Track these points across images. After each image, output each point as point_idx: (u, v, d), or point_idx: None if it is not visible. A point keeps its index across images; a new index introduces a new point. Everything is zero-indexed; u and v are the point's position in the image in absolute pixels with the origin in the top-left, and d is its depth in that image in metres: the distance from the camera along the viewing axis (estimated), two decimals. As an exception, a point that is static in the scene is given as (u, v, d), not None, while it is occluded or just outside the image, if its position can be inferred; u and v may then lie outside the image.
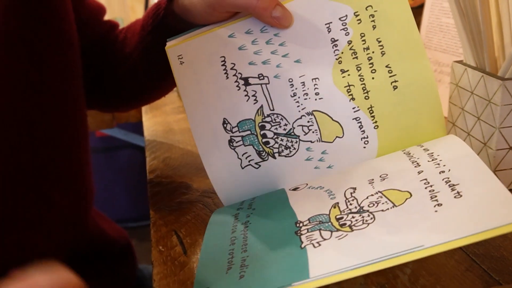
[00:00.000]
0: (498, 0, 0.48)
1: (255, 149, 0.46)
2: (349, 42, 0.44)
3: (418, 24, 0.75)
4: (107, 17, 0.62)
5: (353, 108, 0.44)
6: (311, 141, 0.45)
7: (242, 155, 0.46)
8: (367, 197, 0.37)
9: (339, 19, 0.44)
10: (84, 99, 0.53)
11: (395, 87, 0.43)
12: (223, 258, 0.36)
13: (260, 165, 0.46)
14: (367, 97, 0.44)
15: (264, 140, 0.46)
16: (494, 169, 0.47)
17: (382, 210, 0.35)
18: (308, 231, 0.36)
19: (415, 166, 0.39)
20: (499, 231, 0.27)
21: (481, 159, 0.35)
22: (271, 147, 0.46)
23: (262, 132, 0.46)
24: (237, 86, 0.46)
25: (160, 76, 0.55)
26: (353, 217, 0.36)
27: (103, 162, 1.71)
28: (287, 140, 0.46)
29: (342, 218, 0.36)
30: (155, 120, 0.80)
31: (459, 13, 0.47)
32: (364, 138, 0.45)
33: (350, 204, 0.37)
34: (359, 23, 0.43)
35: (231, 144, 0.46)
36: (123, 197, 1.70)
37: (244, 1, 0.43)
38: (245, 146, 0.46)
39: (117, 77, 0.58)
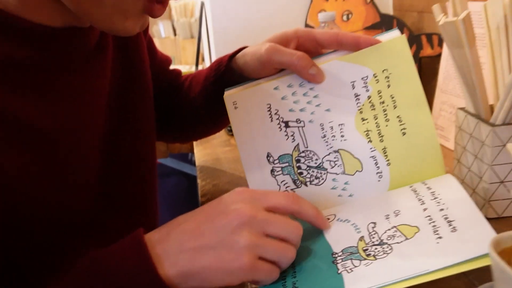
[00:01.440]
0: (494, 58, 0.58)
1: (291, 178, 0.57)
2: (369, 97, 0.55)
3: (436, 70, 0.85)
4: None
5: (370, 149, 0.55)
6: (336, 173, 0.56)
7: (281, 182, 0.58)
8: (385, 232, 0.47)
9: (361, 78, 0.55)
10: (155, 134, 0.66)
11: (404, 133, 0.54)
12: (277, 284, 0.44)
13: (294, 191, 0.57)
14: (381, 140, 0.55)
15: (299, 171, 0.57)
16: (488, 199, 0.56)
17: (398, 243, 0.45)
18: (342, 260, 0.45)
19: (421, 204, 0.49)
20: (482, 261, 0.38)
21: (477, 193, 0.45)
22: (304, 177, 0.57)
23: (297, 165, 0.57)
24: (279, 127, 0.58)
25: (217, 118, 0.67)
26: (376, 248, 0.45)
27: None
28: (317, 172, 0.57)
29: (367, 249, 0.46)
30: (205, 151, 0.93)
31: (458, 69, 0.58)
32: (379, 173, 0.55)
33: (373, 237, 0.47)
34: (377, 82, 0.55)
35: (273, 173, 0.58)
36: (169, 218, 1.83)
37: (288, 60, 0.55)
38: (283, 175, 0.57)
39: (182, 117, 0.71)
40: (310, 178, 0.57)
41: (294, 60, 0.54)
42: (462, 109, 0.62)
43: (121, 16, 0.44)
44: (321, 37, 0.57)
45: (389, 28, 0.96)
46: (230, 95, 0.59)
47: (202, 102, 0.67)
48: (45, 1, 0.45)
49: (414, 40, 0.92)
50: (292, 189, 0.57)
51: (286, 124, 0.57)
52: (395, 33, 0.55)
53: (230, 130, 0.98)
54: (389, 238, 0.46)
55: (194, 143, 0.99)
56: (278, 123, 0.57)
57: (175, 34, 1.91)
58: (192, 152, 0.97)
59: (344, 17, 1.00)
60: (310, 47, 0.58)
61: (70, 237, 0.50)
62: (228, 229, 0.41)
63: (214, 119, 0.68)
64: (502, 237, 0.37)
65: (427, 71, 0.89)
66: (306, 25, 1.08)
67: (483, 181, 0.57)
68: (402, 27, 0.94)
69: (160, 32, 1.94)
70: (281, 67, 0.57)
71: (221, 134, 1.02)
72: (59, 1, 0.44)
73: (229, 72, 0.62)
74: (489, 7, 0.58)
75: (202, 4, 1.30)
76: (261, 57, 0.56)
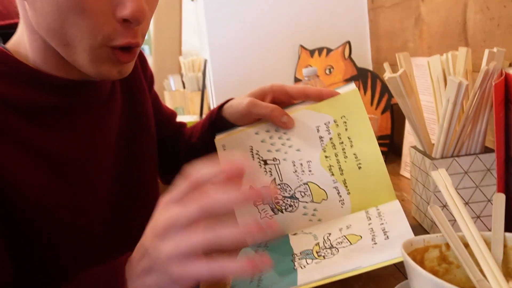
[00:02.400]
0: (436, 103, 0.71)
1: (270, 206, 0.69)
2: (331, 139, 0.68)
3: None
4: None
5: (333, 181, 0.67)
6: (306, 202, 0.68)
7: (261, 210, 0.69)
8: (335, 239, 0.59)
9: (324, 124, 0.68)
10: (157, 171, 0.79)
11: (359, 167, 0.66)
12: (248, 277, 0.58)
13: (272, 218, 0.69)
14: (342, 174, 0.67)
15: (276, 201, 0.69)
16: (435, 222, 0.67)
17: (343, 247, 0.57)
18: (299, 259, 0.57)
19: (368, 220, 0.61)
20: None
21: (427, 216, 0.57)
22: (280, 206, 0.69)
23: (274, 196, 0.69)
24: (260, 165, 0.70)
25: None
26: (326, 251, 0.57)
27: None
28: (291, 201, 0.69)
29: (319, 251, 0.58)
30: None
31: (405, 114, 0.71)
32: (341, 200, 0.67)
33: (326, 243, 0.59)
34: (337, 127, 0.67)
35: (255, 203, 0.70)
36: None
37: (264, 112, 0.68)
38: (263, 204, 0.70)
39: (184, 160, 0.84)
40: (285, 206, 0.69)
41: (268, 112, 0.68)
42: (413, 147, 0.74)
43: (96, 63, 0.56)
44: (292, 91, 0.70)
45: (365, 79, 1.09)
46: (220, 140, 0.72)
47: (200, 146, 0.81)
48: (62, 60, 0.58)
49: (386, 90, 1.06)
50: (270, 216, 0.69)
51: (265, 162, 0.70)
52: (350, 86, 0.69)
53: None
54: (337, 244, 0.57)
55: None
56: (259, 161, 0.70)
57: (184, 87, 2.08)
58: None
59: (327, 71, 1.14)
60: (283, 99, 0.71)
61: (82, 261, 0.61)
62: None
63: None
64: (414, 239, 0.48)
65: (398, 116, 1.02)
66: (295, 78, 1.23)
67: (430, 205, 0.68)
68: (375, 78, 1.08)
69: (171, 85, 2.11)
70: (259, 117, 0.70)
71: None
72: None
73: (219, 120, 0.75)
74: (431, 63, 0.72)
75: (206, 61, 1.46)
76: (242, 110, 0.69)
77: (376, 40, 1.22)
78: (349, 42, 1.12)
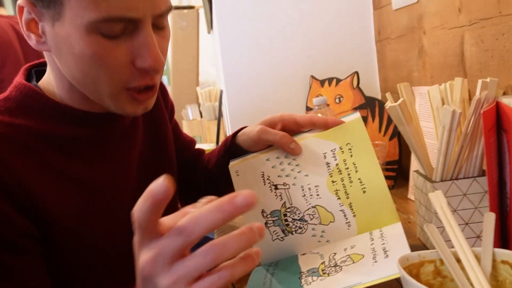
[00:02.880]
0: (436, 130, 0.75)
1: (281, 228, 0.74)
2: (337, 164, 0.72)
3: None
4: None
5: (340, 204, 0.72)
6: (315, 224, 0.73)
7: (273, 232, 0.74)
8: (340, 258, 0.64)
9: (331, 150, 0.73)
10: (177, 199, 0.85)
11: (364, 191, 0.71)
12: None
13: (284, 239, 0.74)
14: (347, 197, 0.71)
15: (286, 223, 0.74)
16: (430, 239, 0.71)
17: (347, 265, 0.61)
18: (305, 277, 0.62)
19: (371, 241, 0.65)
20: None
21: (423, 235, 0.61)
22: (290, 228, 0.74)
23: (285, 218, 0.74)
24: (270, 189, 0.75)
25: (228, 183, 0.86)
26: (330, 269, 0.62)
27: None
28: (300, 223, 0.73)
29: (324, 269, 0.62)
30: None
31: (406, 141, 0.75)
32: (347, 223, 0.71)
33: (331, 262, 0.64)
34: (342, 153, 0.72)
35: (267, 225, 0.75)
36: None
37: (273, 139, 0.74)
38: (274, 226, 0.74)
39: (201, 184, 0.90)
40: (295, 228, 0.73)
41: (278, 139, 0.73)
42: (416, 171, 0.79)
43: (120, 106, 0.63)
44: (300, 119, 0.76)
45: (373, 107, 1.15)
46: (233, 166, 0.77)
47: (216, 171, 0.86)
48: (86, 97, 0.65)
49: (393, 117, 1.11)
50: (282, 237, 0.74)
51: (276, 187, 0.75)
52: (355, 115, 0.74)
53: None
54: (341, 262, 0.62)
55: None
56: (270, 186, 0.75)
57: (201, 116, 2.15)
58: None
59: (337, 100, 1.20)
60: (292, 127, 0.77)
61: (107, 280, 0.66)
62: None
63: (224, 184, 0.87)
64: (410, 255, 0.53)
65: (406, 143, 1.06)
66: (306, 107, 1.29)
67: (425, 224, 0.72)
68: (383, 106, 1.13)
69: (188, 115, 2.18)
70: (269, 143, 0.75)
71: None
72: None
73: (233, 146, 0.81)
74: (431, 92, 0.77)
75: (221, 91, 1.54)
76: (254, 137, 0.75)
77: (384, 70, 1.28)
78: (357, 73, 1.18)
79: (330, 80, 1.23)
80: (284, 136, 0.73)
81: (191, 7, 2.52)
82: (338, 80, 1.21)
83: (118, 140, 0.71)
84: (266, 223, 0.74)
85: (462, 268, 0.51)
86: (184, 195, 0.91)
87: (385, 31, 1.23)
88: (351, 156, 0.72)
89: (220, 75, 1.53)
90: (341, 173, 0.72)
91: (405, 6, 1.07)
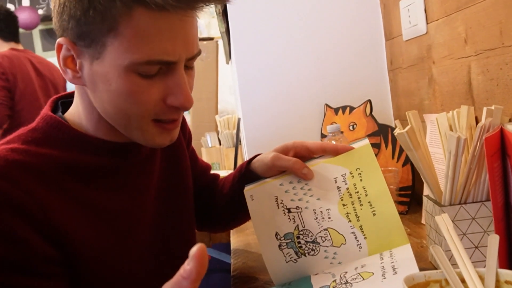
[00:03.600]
0: (445, 153, 0.78)
1: (294, 250, 0.77)
2: (347, 189, 0.75)
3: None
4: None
5: (351, 227, 0.74)
6: (327, 246, 0.75)
7: (286, 254, 0.77)
8: (350, 276, 0.66)
9: (341, 175, 0.76)
10: (194, 222, 0.89)
11: (374, 214, 0.73)
12: None
13: (297, 261, 0.77)
14: (358, 220, 0.74)
15: (299, 245, 0.77)
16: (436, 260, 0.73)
17: (357, 282, 0.64)
18: None
19: (381, 260, 0.68)
20: None
21: (434, 258, 0.64)
22: (303, 250, 0.76)
23: (298, 240, 0.77)
24: (284, 213, 0.78)
25: (242, 207, 0.89)
26: (341, 286, 0.65)
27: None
28: (313, 245, 0.76)
29: (335, 286, 0.65)
30: (239, 239, 1.13)
31: (415, 166, 0.78)
32: (358, 244, 0.74)
33: (342, 280, 0.66)
34: (352, 178, 0.76)
35: (280, 247, 0.77)
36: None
37: (286, 165, 0.78)
38: (288, 248, 0.77)
39: (216, 209, 0.94)
40: (308, 250, 0.76)
41: (290, 165, 0.77)
42: (426, 195, 0.81)
43: (149, 139, 0.68)
44: (311, 146, 0.79)
45: (386, 134, 1.18)
46: (248, 190, 0.81)
47: (231, 196, 0.90)
48: (112, 127, 0.69)
49: (406, 143, 1.14)
50: (295, 259, 0.76)
51: (289, 210, 0.78)
52: (364, 142, 0.77)
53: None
54: (352, 280, 0.64)
55: (231, 233, 1.20)
56: (283, 210, 0.78)
57: (220, 144, 2.20)
58: (229, 242, 1.17)
59: (351, 127, 1.23)
60: (304, 154, 0.81)
61: None
62: None
63: (240, 209, 0.90)
64: (415, 274, 0.55)
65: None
66: (321, 134, 1.32)
67: (442, 248, 0.74)
68: (395, 133, 1.16)
69: (208, 142, 2.24)
70: (283, 169, 0.79)
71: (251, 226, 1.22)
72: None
73: (248, 173, 0.85)
74: (439, 119, 0.79)
75: (239, 120, 1.59)
76: (268, 163, 0.79)
77: (397, 98, 1.31)
78: (369, 101, 1.22)
79: (344, 108, 1.27)
80: (296, 162, 0.77)
81: (211, 39, 2.61)
82: (352, 108, 1.25)
83: (137, 169, 0.75)
84: (279, 246, 0.77)
85: (467, 288, 0.53)
86: (200, 220, 0.95)
87: (397, 61, 1.27)
88: (361, 180, 0.75)
89: (238, 103, 1.59)
90: (351, 197, 0.75)
91: (415, 37, 1.11)
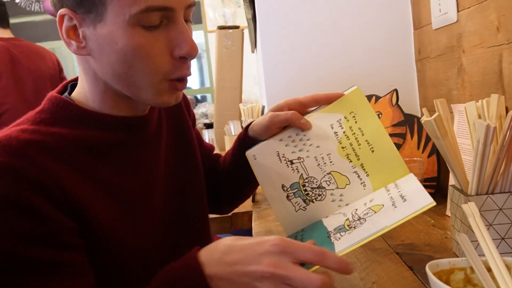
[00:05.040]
0: (473, 145, 0.77)
1: (302, 199, 0.78)
2: (344, 132, 0.78)
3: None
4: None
5: (352, 167, 0.76)
6: (332, 189, 0.77)
7: (295, 204, 0.79)
8: (362, 212, 0.68)
9: (337, 121, 0.78)
10: (205, 200, 0.89)
11: (372, 151, 0.76)
12: None
13: (306, 208, 0.78)
14: (358, 159, 0.76)
15: (306, 192, 0.78)
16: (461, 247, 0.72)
17: (370, 216, 0.66)
18: (334, 234, 0.67)
19: (387, 191, 0.71)
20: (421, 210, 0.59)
21: (458, 249, 0.64)
22: (310, 196, 0.78)
23: (304, 188, 0.79)
24: (287, 165, 0.80)
25: (246, 177, 0.89)
26: (355, 222, 0.66)
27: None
28: (319, 191, 0.78)
29: (350, 224, 0.67)
30: (261, 225, 1.14)
31: (441, 154, 0.77)
32: (362, 182, 0.76)
33: (354, 217, 0.68)
34: (347, 121, 0.78)
35: (288, 198, 0.79)
36: None
37: (285, 117, 0.79)
38: (295, 198, 0.79)
39: (222, 186, 0.95)
40: (314, 196, 0.78)
41: (289, 116, 0.79)
42: (452, 185, 0.80)
43: (158, 95, 0.69)
44: (304, 100, 0.81)
45: (411, 124, 1.16)
46: (250, 151, 0.83)
47: (232, 167, 0.91)
48: (118, 101, 0.71)
49: (432, 134, 1.12)
50: (304, 207, 0.79)
51: (291, 162, 0.80)
52: (354, 87, 0.80)
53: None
54: (364, 215, 0.67)
55: (253, 219, 1.20)
56: (286, 162, 0.80)
57: (243, 132, 2.20)
58: (251, 228, 1.18)
59: (376, 117, 1.22)
60: (297, 109, 0.82)
61: (139, 276, 0.70)
62: (255, 276, 0.54)
63: (243, 179, 0.91)
64: (439, 261, 0.55)
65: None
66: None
67: (457, 234, 0.73)
68: (421, 124, 1.14)
69: (231, 130, 2.24)
70: (281, 124, 0.80)
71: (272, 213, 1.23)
72: (125, 97, 0.70)
73: (247, 138, 0.86)
74: (468, 108, 0.78)
75: (263, 107, 1.59)
76: (266, 123, 0.81)
77: (424, 88, 1.29)
78: (396, 90, 1.20)
79: (369, 97, 1.26)
80: (294, 113, 0.79)
81: (236, 27, 2.61)
82: (378, 97, 1.23)
83: (145, 145, 0.76)
84: (287, 196, 0.79)
85: (493, 277, 0.53)
86: (208, 202, 0.95)
87: (425, 50, 1.25)
88: (356, 122, 0.78)
89: (262, 92, 1.58)
90: (349, 139, 0.77)
91: (445, 25, 1.08)
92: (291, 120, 0.79)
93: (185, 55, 0.67)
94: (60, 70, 2.68)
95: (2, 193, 0.57)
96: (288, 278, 0.53)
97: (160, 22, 0.65)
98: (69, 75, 3.64)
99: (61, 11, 0.66)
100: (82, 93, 0.73)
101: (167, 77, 0.68)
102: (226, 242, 0.59)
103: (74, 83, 0.77)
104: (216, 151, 1.09)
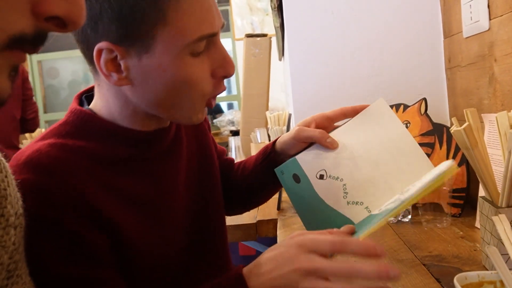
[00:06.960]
0: (504, 156, 0.75)
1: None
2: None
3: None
4: None
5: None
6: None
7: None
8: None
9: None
10: (223, 203, 0.89)
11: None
12: None
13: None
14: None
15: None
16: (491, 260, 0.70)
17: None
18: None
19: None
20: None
21: (488, 262, 0.63)
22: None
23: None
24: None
25: (265, 188, 0.90)
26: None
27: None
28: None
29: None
30: (286, 233, 1.13)
31: (473, 166, 0.75)
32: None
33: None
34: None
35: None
36: None
37: (312, 134, 0.79)
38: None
39: (236, 191, 0.95)
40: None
41: (316, 134, 0.79)
42: (482, 197, 0.78)
43: (193, 113, 0.70)
44: (331, 114, 0.82)
45: (440, 134, 1.14)
46: (278, 168, 0.84)
47: (253, 178, 0.91)
48: (142, 115, 0.71)
49: (462, 144, 1.09)
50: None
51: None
52: (379, 100, 0.80)
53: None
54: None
55: (278, 227, 1.20)
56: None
57: (269, 140, 2.20)
58: (276, 236, 1.18)
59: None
60: (325, 124, 0.82)
61: (165, 282, 0.72)
62: (294, 277, 0.57)
63: (262, 189, 0.93)
64: (468, 274, 0.53)
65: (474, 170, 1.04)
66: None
67: (486, 246, 0.71)
68: (451, 134, 1.12)
69: (257, 138, 2.25)
70: (308, 140, 0.81)
71: (298, 221, 1.22)
72: (155, 116, 0.71)
73: (273, 152, 0.87)
74: (499, 118, 0.76)
75: (290, 115, 1.58)
76: (294, 137, 0.81)
77: (454, 97, 1.27)
78: (425, 99, 1.18)
79: (397, 106, 1.24)
80: (320, 131, 0.79)
81: (264, 35, 2.62)
82: (406, 106, 1.22)
83: (165, 155, 0.77)
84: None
85: (524, 292, 0.51)
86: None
87: (456, 59, 1.23)
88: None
89: (289, 99, 1.58)
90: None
91: (476, 34, 1.07)
92: (318, 139, 0.79)
93: (228, 75, 0.69)
94: None
95: (34, 211, 0.58)
96: (319, 270, 0.56)
97: (204, 47, 0.66)
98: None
99: (100, 45, 0.62)
100: (104, 109, 0.71)
101: (207, 97, 0.70)
102: (258, 259, 0.62)
103: (87, 94, 0.77)
104: (242, 158, 1.09)
